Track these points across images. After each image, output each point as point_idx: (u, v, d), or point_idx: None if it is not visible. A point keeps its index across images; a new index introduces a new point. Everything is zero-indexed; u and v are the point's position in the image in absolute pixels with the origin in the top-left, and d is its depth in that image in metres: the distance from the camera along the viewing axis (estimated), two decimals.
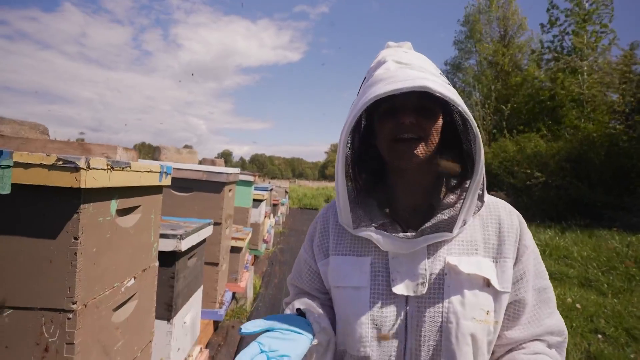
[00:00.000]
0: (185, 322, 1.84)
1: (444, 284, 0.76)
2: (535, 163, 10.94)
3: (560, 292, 4.53)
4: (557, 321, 0.81)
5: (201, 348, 2.20)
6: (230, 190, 2.84)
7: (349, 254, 0.84)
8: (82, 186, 0.86)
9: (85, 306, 0.93)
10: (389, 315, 0.77)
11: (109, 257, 1.03)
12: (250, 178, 4.00)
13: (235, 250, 3.30)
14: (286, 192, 11.45)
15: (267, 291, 4.89)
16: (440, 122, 0.79)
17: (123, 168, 1.03)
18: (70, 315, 0.89)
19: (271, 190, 7.01)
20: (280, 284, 5.23)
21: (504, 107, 15.51)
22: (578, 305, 4.06)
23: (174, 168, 2.20)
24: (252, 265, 4.94)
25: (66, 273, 0.89)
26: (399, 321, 0.77)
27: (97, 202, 0.96)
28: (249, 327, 0.68)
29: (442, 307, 0.75)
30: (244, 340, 0.65)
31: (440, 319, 0.74)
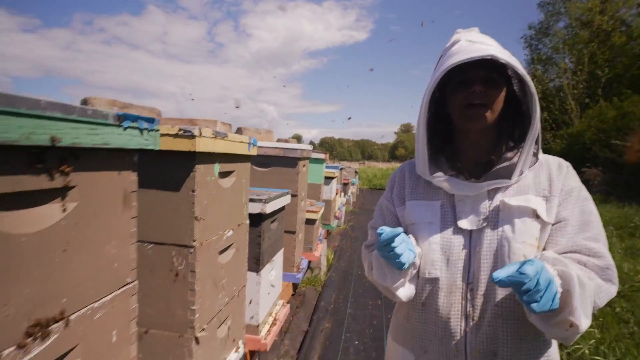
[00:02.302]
0: (270, 277, 2.12)
1: (499, 217, 0.92)
2: None
3: None
4: (598, 247, 0.87)
5: (283, 302, 2.49)
6: (304, 165, 3.07)
7: (423, 199, 1.03)
8: (197, 150, 1.11)
9: (201, 245, 1.20)
10: (455, 244, 0.95)
11: (214, 210, 1.29)
12: (321, 156, 4.21)
13: (309, 222, 3.57)
14: (356, 172, 11.60)
15: (339, 263, 5.15)
16: (504, 90, 0.93)
17: (223, 137, 1.27)
18: (192, 250, 1.17)
19: (342, 169, 7.21)
20: (351, 258, 5.46)
21: (599, 73, 13.66)
22: None
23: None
24: (325, 239, 5.22)
25: (187, 218, 1.16)
26: (463, 249, 0.95)
27: (206, 164, 1.21)
28: (386, 230, 0.87)
29: (497, 234, 0.91)
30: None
31: (495, 244, 0.91)
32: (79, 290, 0.68)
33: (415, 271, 0.98)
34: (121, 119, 0.72)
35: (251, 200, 1.80)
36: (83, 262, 0.69)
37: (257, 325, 1.96)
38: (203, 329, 1.25)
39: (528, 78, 0.88)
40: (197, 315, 1.20)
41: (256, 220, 1.85)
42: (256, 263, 1.89)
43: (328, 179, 5.09)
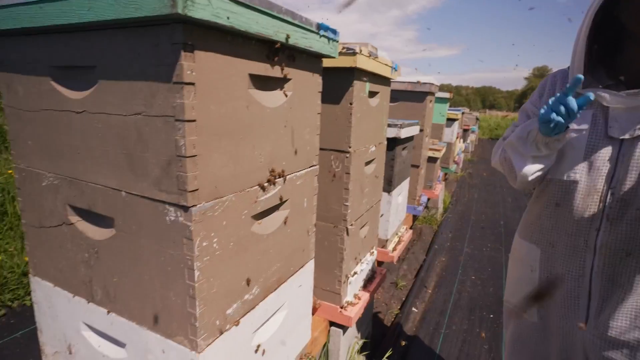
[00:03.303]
0: (398, 200, 2.29)
1: None
2: None
3: None
4: None
5: (406, 227, 2.68)
6: (431, 101, 3.06)
7: None
8: (357, 66, 1.27)
9: (355, 152, 1.41)
10: (602, 150, 0.96)
11: (363, 125, 1.47)
12: (446, 95, 4.07)
13: (431, 160, 3.59)
14: (477, 119, 10.74)
15: (456, 207, 5.09)
16: None
17: (375, 58, 1.40)
18: (348, 155, 1.38)
19: (463, 113, 6.81)
20: (469, 203, 5.33)
21: None
22: None
23: None
24: (444, 181, 5.17)
25: (345, 127, 1.36)
26: (611, 156, 0.95)
27: (360, 81, 1.37)
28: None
29: None
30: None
31: None
32: (290, 159, 0.93)
33: (551, 151, 0.99)
34: (319, 27, 0.90)
35: (388, 125, 1.94)
36: (294, 139, 0.92)
37: (386, 240, 2.19)
38: (352, 224, 1.49)
39: None
40: (349, 211, 1.44)
41: (391, 144, 2.00)
42: (388, 184, 2.07)
43: (450, 120, 4.91)
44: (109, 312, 0.82)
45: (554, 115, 0.90)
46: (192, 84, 0.60)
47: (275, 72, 0.81)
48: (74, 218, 0.83)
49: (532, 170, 1.03)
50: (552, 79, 1.11)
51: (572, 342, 1.06)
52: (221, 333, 0.77)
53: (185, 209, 0.64)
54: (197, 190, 0.65)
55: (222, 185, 0.71)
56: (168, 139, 0.63)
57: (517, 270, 1.20)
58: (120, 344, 0.83)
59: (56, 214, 0.85)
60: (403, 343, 2.20)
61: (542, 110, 0.93)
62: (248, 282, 0.84)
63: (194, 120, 0.62)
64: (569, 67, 1.03)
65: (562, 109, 0.89)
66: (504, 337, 1.30)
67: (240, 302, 0.82)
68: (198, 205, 0.66)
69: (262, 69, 0.77)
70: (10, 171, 3.05)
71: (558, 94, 0.90)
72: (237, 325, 0.82)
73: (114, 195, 0.74)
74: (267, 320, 0.96)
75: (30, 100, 0.81)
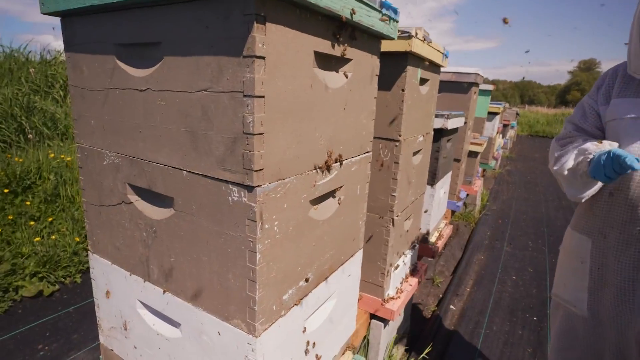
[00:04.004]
0: (440, 194, 2.22)
1: None
2: None
3: None
4: None
5: (446, 223, 2.59)
6: (475, 92, 2.93)
7: (633, 97, 1.00)
8: (411, 50, 1.21)
9: (405, 141, 1.35)
10: None
11: (413, 113, 1.41)
12: (489, 87, 3.90)
13: (472, 155, 3.46)
14: (517, 114, 10.26)
15: (494, 204, 4.90)
16: None
17: (429, 43, 1.33)
18: (397, 144, 1.33)
19: (504, 108, 6.52)
20: (508, 201, 5.11)
21: None
22: None
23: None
24: (482, 177, 4.99)
25: (397, 114, 1.31)
26: None
27: (413, 67, 1.31)
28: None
29: None
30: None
31: None
32: (348, 144, 0.89)
33: None
34: (382, 5, 0.85)
35: (435, 115, 1.86)
36: (351, 122, 0.89)
37: (427, 234, 2.12)
38: (398, 215, 1.44)
39: None
40: (396, 202, 1.39)
41: (436, 135, 1.92)
42: (432, 177, 2.00)
43: (491, 114, 4.71)
44: (164, 291, 0.83)
45: (604, 178, 0.92)
46: (263, 57, 0.58)
47: (337, 51, 0.78)
48: (133, 197, 0.83)
49: (586, 194, 1.05)
50: (613, 73, 1.08)
51: (627, 336, 1.03)
52: (277, 319, 0.75)
53: (250, 189, 0.63)
54: (262, 170, 0.63)
55: (285, 166, 0.69)
56: (235, 116, 0.61)
57: (567, 263, 1.18)
58: (175, 324, 0.84)
59: (116, 193, 0.86)
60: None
61: (591, 168, 0.94)
62: (303, 268, 0.82)
63: (262, 97, 0.59)
64: None
65: (615, 174, 0.90)
66: (549, 333, 1.26)
67: (295, 288, 0.80)
68: (262, 186, 0.64)
69: (327, 47, 0.74)
70: (62, 156, 3.22)
71: (612, 156, 0.89)
72: (293, 309, 0.80)
73: (174, 174, 0.73)
74: (318, 308, 0.94)
75: (94, 79, 0.81)
